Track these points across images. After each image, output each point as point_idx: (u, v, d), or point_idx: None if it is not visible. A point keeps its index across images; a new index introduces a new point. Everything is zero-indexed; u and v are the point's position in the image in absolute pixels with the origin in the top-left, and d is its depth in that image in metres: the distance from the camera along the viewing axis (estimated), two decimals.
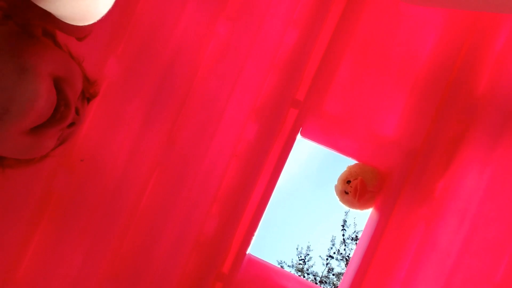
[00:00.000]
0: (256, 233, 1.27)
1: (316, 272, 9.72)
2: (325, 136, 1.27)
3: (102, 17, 0.77)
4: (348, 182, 1.30)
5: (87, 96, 0.85)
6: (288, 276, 1.35)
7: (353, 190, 1.26)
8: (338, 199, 1.36)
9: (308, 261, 9.85)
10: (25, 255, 1.12)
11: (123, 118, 1.14)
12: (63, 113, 0.73)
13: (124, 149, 1.16)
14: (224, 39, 1.20)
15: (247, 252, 1.26)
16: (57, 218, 1.13)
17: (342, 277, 1.31)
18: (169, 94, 1.18)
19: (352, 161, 1.32)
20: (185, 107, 1.19)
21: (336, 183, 1.37)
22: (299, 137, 1.25)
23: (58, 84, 0.72)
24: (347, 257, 9.38)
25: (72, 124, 0.78)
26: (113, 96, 1.14)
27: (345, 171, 1.34)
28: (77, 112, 0.79)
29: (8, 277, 1.12)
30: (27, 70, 0.66)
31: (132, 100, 1.15)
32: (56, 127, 0.74)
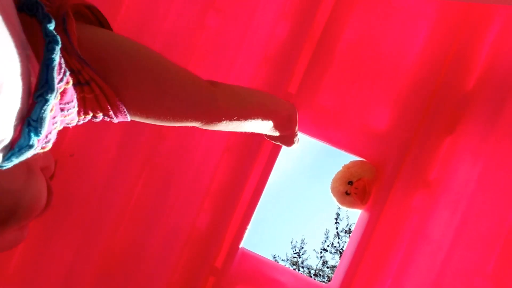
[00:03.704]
0: (250, 228, 1.27)
1: (311, 265, 9.78)
2: (318, 129, 1.26)
3: None
4: (350, 183, 1.27)
5: None
6: (281, 269, 1.35)
7: (359, 191, 1.24)
8: (335, 199, 1.33)
9: (302, 254, 9.90)
10: (15, 251, 1.11)
11: None
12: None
13: (114, 143, 1.14)
14: (214, 32, 1.18)
15: (240, 246, 1.26)
16: (47, 213, 1.12)
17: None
18: None
19: (345, 154, 1.31)
20: None
21: (331, 180, 1.34)
22: None
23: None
24: (340, 250, 9.43)
25: None
26: None
27: (343, 170, 1.30)
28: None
29: None
30: (32, 170, 0.62)
31: None
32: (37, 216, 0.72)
